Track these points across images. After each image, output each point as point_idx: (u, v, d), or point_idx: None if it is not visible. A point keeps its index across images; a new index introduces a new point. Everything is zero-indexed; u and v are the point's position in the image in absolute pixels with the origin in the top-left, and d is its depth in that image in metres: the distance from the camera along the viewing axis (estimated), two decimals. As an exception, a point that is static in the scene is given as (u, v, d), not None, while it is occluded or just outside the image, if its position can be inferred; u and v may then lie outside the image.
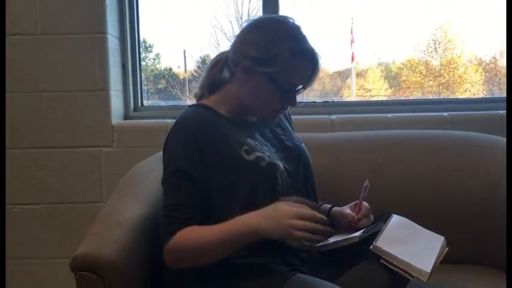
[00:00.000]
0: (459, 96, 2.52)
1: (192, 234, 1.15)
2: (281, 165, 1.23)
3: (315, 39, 1.25)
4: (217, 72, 1.29)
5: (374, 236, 1.19)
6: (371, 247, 1.16)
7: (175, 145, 1.21)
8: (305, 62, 1.21)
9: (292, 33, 1.21)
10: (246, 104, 1.26)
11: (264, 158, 1.20)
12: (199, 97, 1.32)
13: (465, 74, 2.62)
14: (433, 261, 1.17)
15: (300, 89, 1.26)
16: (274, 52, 1.18)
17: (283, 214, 1.08)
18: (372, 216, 1.33)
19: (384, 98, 2.80)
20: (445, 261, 1.23)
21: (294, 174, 1.29)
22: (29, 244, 2.05)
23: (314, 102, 2.22)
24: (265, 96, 1.23)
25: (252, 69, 1.20)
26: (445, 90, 2.67)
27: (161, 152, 1.34)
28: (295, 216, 1.07)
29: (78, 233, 1.96)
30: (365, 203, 1.33)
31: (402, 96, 2.76)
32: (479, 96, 2.59)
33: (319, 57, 1.23)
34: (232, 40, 1.28)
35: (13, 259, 2.05)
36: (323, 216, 1.11)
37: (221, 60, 1.30)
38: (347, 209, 1.35)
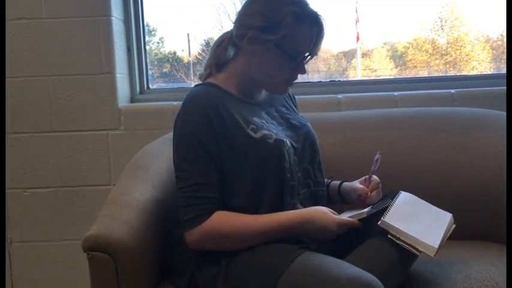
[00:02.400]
0: (466, 73, 2.50)
1: (232, 219, 1.17)
2: (288, 142, 1.24)
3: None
4: (222, 51, 1.29)
5: (382, 212, 1.20)
6: (379, 222, 1.17)
7: (189, 123, 1.20)
8: (309, 25, 1.22)
9: None
10: (256, 77, 1.27)
11: (271, 136, 1.21)
12: (204, 77, 1.32)
13: (472, 51, 2.58)
14: (440, 237, 1.18)
15: (308, 56, 1.26)
16: (277, 18, 1.19)
17: (332, 225, 1.18)
18: (381, 191, 1.34)
19: (390, 77, 2.78)
20: (453, 237, 1.24)
21: (301, 152, 1.30)
22: (41, 227, 2.07)
23: (320, 81, 2.21)
24: (274, 65, 1.24)
25: (258, 38, 1.20)
26: (452, 69, 2.64)
27: (168, 134, 1.35)
28: (340, 226, 1.19)
29: (89, 215, 1.98)
30: (375, 177, 1.34)
31: (409, 75, 2.73)
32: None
33: (323, 21, 1.24)
34: (235, 18, 1.29)
35: (25, 242, 2.08)
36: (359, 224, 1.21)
37: (225, 39, 1.30)
38: (357, 184, 1.36)
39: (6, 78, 1.99)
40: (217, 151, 1.18)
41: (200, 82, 1.33)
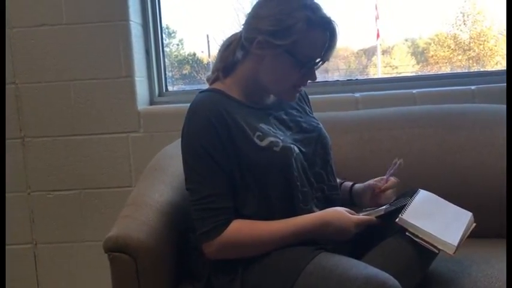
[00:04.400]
0: (487, 69, 2.45)
1: (249, 228, 1.16)
2: (296, 148, 1.21)
3: (338, 16, 1.22)
4: (230, 54, 1.25)
5: (400, 210, 1.19)
6: (397, 220, 1.15)
7: (195, 133, 1.18)
8: (322, 31, 1.18)
9: (306, 2, 1.17)
10: (264, 83, 1.23)
11: (278, 143, 1.18)
12: (212, 80, 1.29)
13: (496, 46, 2.53)
14: (460, 235, 1.16)
15: (319, 62, 1.22)
16: (289, 23, 1.14)
17: (349, 225, 1.16)
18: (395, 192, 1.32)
19: (408, 74, 2.74)
20: (472, 235, 1.22)
21: (311, 156, 1.26)
22: (64, 229, 2.12)
23: (338, 81, 2.20)
24: (284, 71, 1.20)
25: (268, 43, 1.16)
26: (475, 64, 2.59)
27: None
28: (358, 225, 1.17)
29: (110, 216, 2.01)
30: (392, 178, 1.31)
31: (431, 71, 2.69)
32: (511, 68, 2.50)
33: (336, 26, 1.19)
34: (244, 19, 1.25)
35: (49, 243, 2.13)
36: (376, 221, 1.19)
37: (234, 41, 1.26)
38: (370, 181, 1.33)
39: (29, 84, 2.06)
40: (225, 159, 1.16)
41: (207, 86, 1.31)
